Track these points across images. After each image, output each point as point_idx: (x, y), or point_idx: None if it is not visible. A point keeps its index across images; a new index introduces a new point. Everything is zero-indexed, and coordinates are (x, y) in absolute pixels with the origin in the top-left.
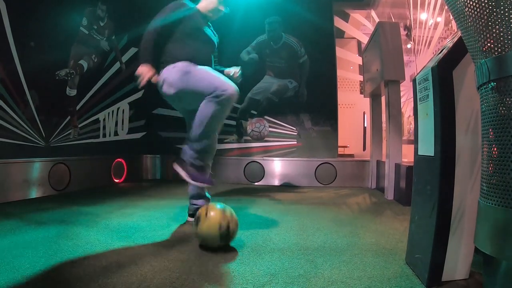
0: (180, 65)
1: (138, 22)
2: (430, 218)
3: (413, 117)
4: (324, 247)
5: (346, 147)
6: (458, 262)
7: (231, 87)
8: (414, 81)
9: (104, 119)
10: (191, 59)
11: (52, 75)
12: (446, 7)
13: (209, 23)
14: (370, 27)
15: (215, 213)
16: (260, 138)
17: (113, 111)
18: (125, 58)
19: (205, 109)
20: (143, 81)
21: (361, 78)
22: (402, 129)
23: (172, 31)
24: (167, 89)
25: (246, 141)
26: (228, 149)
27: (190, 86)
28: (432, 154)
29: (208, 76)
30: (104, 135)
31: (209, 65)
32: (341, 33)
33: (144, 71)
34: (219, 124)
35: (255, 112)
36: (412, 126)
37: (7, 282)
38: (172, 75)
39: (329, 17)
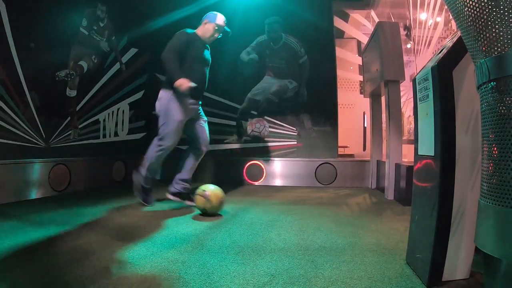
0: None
1: (138, 23)
2: (430, 218)
3: (413, 117)
4: (325, 247)
5: (346, 147)
6: (458, 261)
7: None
8: (414, 81)
9: (104, 120)
10: (193, 80)
11: (52, 76)
12: (446, 7)
13: (206, 45)
14: (370, 27)
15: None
16: (260, 139)
17: (113, 112)
18: (125, 58)
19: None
20: (186, 88)
21: (361, 78)
22: (402, 129)
23: (183, 56)
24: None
25: (246, 142)
26: (228, 150)
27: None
28: (432, 154)
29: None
30: (104, 136)
31: (205, 82)
32: (341, 33)
33: (185, 81)
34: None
35: (255, 113)
36: (412, 126)
37: (7, 283)
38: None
39: (328, 17)
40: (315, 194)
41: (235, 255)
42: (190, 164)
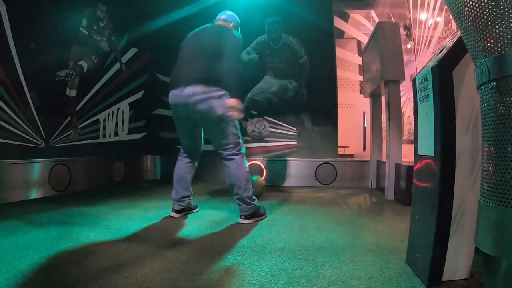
0: None
1: (138, 23)
2: (430, 217)
3: (413, 117)
4: (325, 247)
5: (346, 147)
6: (458, 261)
7: None
8: (414, 81)
9: (104, 120)
10: None
11: (52, 76)
12: (446, 7)
13: None
14: (370, 27)
15: None
16: (260, 139)
17: (113, 112)
18: (125, 58)
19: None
20: (238, 116)
21: (361, 78)
22: (402, 129)
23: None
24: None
25: (246, 142)
26: None
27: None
28: (432, 154)
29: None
30: (104, 136)
31: None
32: (341, 33)
33: (240, 110)
34: None
35: (255, 113)
36: (412, 126)
37: (7, 282)
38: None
39: (328, 17)
40: (315, 194)
41: (235, 255)
42: (191, 178)
